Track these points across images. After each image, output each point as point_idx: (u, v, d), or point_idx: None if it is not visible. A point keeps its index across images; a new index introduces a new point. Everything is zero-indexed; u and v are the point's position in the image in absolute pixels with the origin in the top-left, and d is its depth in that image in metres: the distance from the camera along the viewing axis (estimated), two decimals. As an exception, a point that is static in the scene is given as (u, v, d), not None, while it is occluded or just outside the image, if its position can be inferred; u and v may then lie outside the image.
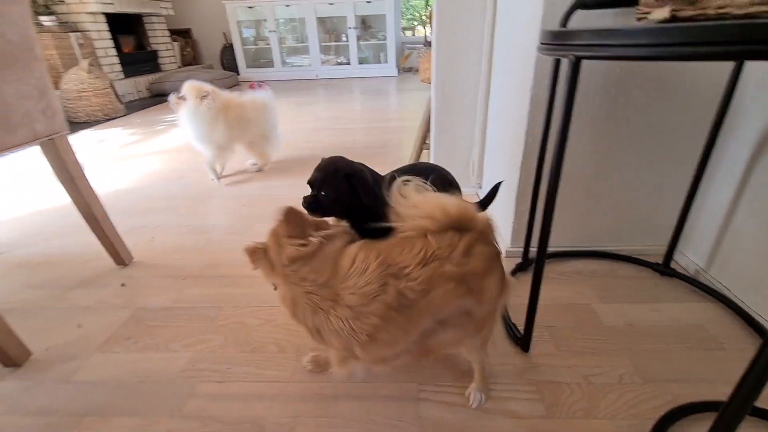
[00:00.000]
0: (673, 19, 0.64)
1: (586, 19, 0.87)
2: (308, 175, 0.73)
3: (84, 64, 3.19)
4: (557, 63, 0.84)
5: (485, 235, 0.64)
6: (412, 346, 0.64)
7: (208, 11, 5.39)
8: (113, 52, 4.01)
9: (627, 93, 0.97)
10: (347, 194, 0.70)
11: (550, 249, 1.14)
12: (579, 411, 0.72)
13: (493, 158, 1.43)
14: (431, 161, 1.64)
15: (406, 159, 1.96)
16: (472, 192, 1.65)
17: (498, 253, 0.65)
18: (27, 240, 1.42)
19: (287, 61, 5.49)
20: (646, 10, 0.69)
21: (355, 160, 0.77)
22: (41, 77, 0.94)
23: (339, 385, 0.79)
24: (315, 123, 3.00)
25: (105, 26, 3.88)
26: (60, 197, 1.73)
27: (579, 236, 1.16)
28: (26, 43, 0.90)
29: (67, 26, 3.58)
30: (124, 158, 2.33)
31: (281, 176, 1.93)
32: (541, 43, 0.67)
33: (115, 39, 4.03)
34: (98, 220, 1.13)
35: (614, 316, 0.94)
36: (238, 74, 5.36)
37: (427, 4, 5.05)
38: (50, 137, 0.98)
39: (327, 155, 0.77)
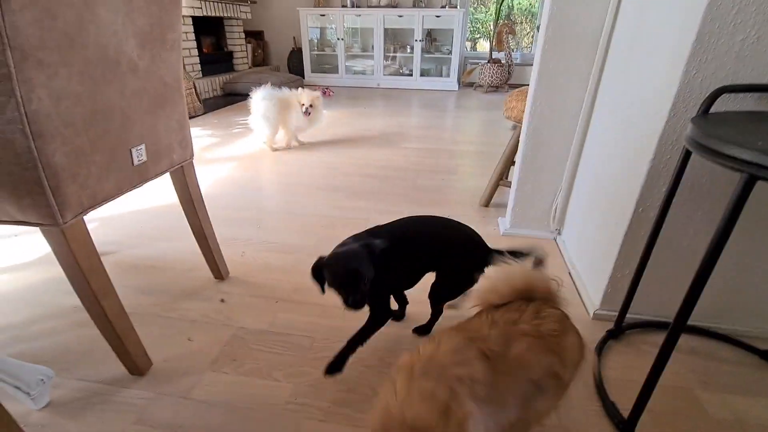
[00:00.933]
0: None
1: (725, 102, 0.84)
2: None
3: (173, 65, 3.43)
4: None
5: (550, 298, 0.69)
6: (518, 413, 0.65)
7: (282, 16, 5.62)
8: (196, 52, 4.29)
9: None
10: (373, 266, 0.82)
11: (647, 317, 1.12)
12: None
13: (581, 211, 1.40)
14: (511, 200, 1.63)
15: (475, 191, 1.95)
16: (549, 237, 1.62)
17: (566, 315, 0.69)
18: (133, 240, 1.56)
19: (350, 68, 5.62)
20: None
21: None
22: (182, 112, 1.04)
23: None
24: (376, 137, 3.05)
25: (191, 28, 4.16)
26: (158, 198, 1.88)
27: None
28: (176, 83, 1.00)
29: (160, 27, 3.86)
30: (206, 161, 2.49)
31: (351, 198, 1.98)
32: (698, 143, 0.65)
33: (197, 39, 4.31)
34: (206, 238, 1.23)
35: (720, 407, 0.90)
36: (303, 78, 5.55)
37: (497, 19, 4.97)
38: (181, 165, 1.08)
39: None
